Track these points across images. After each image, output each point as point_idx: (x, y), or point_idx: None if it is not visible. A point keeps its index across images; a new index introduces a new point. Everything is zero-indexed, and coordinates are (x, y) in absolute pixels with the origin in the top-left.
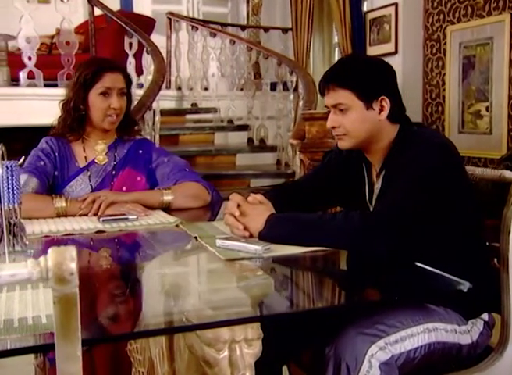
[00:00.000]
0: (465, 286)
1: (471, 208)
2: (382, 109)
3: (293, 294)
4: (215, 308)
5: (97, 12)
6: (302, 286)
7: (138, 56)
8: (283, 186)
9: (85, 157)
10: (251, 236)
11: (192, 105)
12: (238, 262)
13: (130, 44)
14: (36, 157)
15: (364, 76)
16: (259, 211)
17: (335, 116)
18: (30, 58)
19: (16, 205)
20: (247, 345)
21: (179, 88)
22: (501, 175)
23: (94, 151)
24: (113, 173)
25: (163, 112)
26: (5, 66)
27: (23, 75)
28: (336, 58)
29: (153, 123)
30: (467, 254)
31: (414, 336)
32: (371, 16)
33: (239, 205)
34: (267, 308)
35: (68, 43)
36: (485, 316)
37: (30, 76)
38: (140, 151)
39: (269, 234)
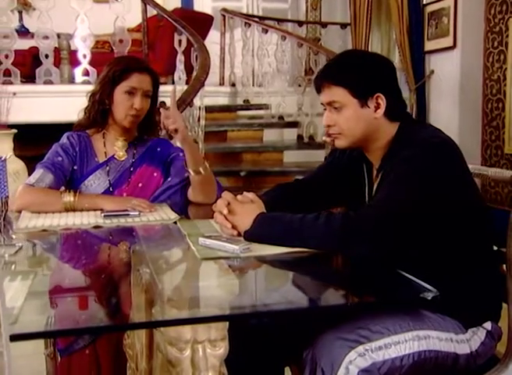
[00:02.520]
0: (430, 294)
1: (474, 211)
2: (377, 107)
3: (259, 295)
4: (178, 306)
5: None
6: (272, 287)
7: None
8: (287, 184)
9: (105, 152)
10: (239, 235)
11: (244, 101)
12: (216, 262)
13: (180, 41)
14: (55, 152)
15: (358, 73)
16: (248, 210)
17: (330, 114)
18: (84, 56)
19: (3, 199)
20: (211, 346)
21: (233, 85)
22: None
23: (114, 146)
24: (131, 169)
25: (213, 109)
26: (67, 64)
27: (77, 72)
28: (397, 54)
29: (198, 120)
30: (468, 259)
31: (401, 343)
32: (429, 9)
33: (229, 203)
34: (230, 308)
35: (121, 41)
36: (488, 324)
37: (85, 73)
38: (158, 149)
39: (254, 234)
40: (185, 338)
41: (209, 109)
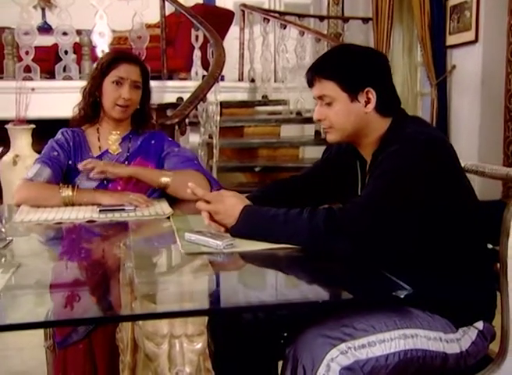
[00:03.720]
0: (403, 292)
1: (464, 208)
2: (368, 102)
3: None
4: (154, 301)
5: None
6: (250, 282)
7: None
8: (283, 180)
9: (99, 147)
10: (228, 230)
11: (263, 96)
12: (200, 257)
13: (197, 37)
14: (50, 147)
15: (349, 67)
16: (230, 206)
17: (321, 109)
18: (103, 52)
19: None
20: (188, 341)
21: (253, 80)
22: (508, 173)
23: (108, 140)
24: (126, 163)
25: (231, 104)
26: (88, 60)
27: None
28: (418, 49)
29: (213, 116)
30: (458, 257)
31: (387, 341)
32: (451, 2)
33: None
34: (208, 303)
35: (139, 37)
36: (480, 324)
37: None
38: (153, 142)
39: (239, 230)
40: (162, 333)
41: (227, 105)
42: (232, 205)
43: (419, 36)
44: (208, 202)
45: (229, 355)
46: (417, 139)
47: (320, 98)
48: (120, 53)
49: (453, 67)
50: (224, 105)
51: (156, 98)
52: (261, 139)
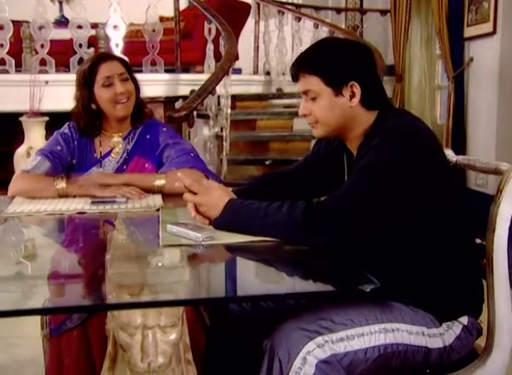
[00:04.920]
0: (369, 286)
1: (447, 201)
2: (352, 96)
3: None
4: (128, 292)
5: None
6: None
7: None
8: (273, 173)
9: (100, 152)
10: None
11: (277, 89)
12: (179, 249)
13: (210, 30)
14: (55, 140)
15: (332, 61)
16: (215, 198)
17: (306, 104)
18: (117, 45)
19: None
20: (162, 332)
21: (268, 73)
22: (496, 167)
23: (110, 143)
24: (124, 166)
25: (245, 97)
26: None
27: None
28: (437, 42)
29: (224, 109)
30: (442, 252)
31: (366, 335)
32: None
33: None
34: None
35: (153, 30)
36: (464, 319)
37: None
38: (148, 136)
39: (222, 222)
40: (135, 324)
41: (241, 98)
42: (217, 197)
43: (437, 28)
44: (195, 194)
45: (218, 347)
46: (399, 132)
47: (305, 93)
48: (95, 56)
49: (471, 60)
50: (238, 98)
51: (169, 91)
52: (272, 132)
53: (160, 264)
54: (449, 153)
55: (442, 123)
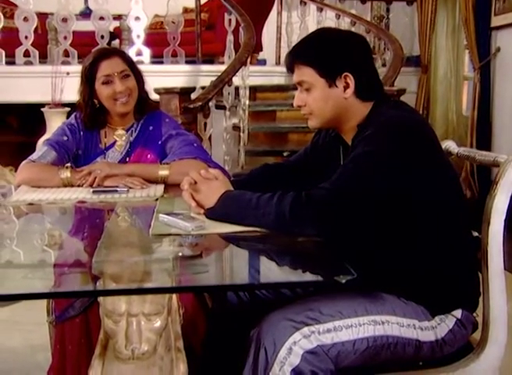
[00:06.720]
0: (345, 277)
1: (442, 193)
2: (346, 87)
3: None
4: (115, 279)
5: None
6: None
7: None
8: (273, 164)
9: (105, 143)
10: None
11: None
12: (169, 238)
13: (230, 21)
14: (61, 130)
15: (325, 51)
16: (213, 188)
17: (300, 95)
18: (138, 37)
19: None
20: (146, 320)
21: None
22: (494, 159)
23: (114, 136)
24: (127, 158)
25: (266, 89)
26: (127, 45)
27: (131, 53)
28: (462, 33)
29: (243, 99)
30: (435, 245)
31: (354, 327)
32: None
33: (196, 182)
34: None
35: (174, 22)
36: (458, 312)
37: (138, 53)
38: (151, 128)
39: (215, 212)
40: (119, 311)
41: (262, 89)
42: (214, 187)
43: (463, 17)
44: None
45: (217, 336)
46: (392, 123)
47: (299, 83)
48: (96, 53)
49: (498, 49)
50: (259, 89)
51: (190, 82)
52: (292, 124)
53: (148, 253)
54: (451, 145)
55: (468, 115)
